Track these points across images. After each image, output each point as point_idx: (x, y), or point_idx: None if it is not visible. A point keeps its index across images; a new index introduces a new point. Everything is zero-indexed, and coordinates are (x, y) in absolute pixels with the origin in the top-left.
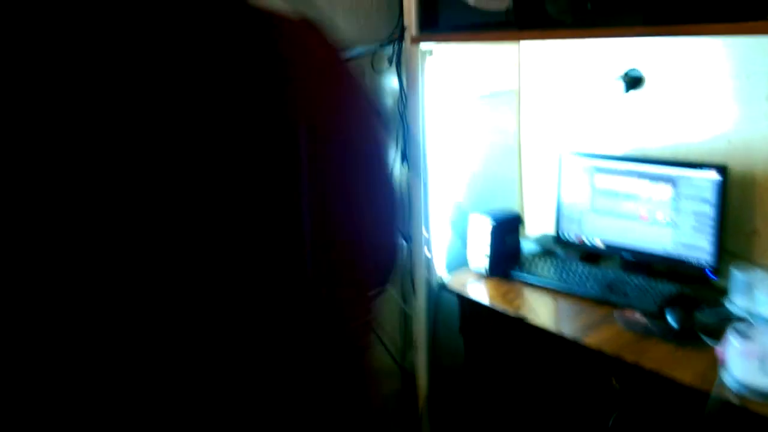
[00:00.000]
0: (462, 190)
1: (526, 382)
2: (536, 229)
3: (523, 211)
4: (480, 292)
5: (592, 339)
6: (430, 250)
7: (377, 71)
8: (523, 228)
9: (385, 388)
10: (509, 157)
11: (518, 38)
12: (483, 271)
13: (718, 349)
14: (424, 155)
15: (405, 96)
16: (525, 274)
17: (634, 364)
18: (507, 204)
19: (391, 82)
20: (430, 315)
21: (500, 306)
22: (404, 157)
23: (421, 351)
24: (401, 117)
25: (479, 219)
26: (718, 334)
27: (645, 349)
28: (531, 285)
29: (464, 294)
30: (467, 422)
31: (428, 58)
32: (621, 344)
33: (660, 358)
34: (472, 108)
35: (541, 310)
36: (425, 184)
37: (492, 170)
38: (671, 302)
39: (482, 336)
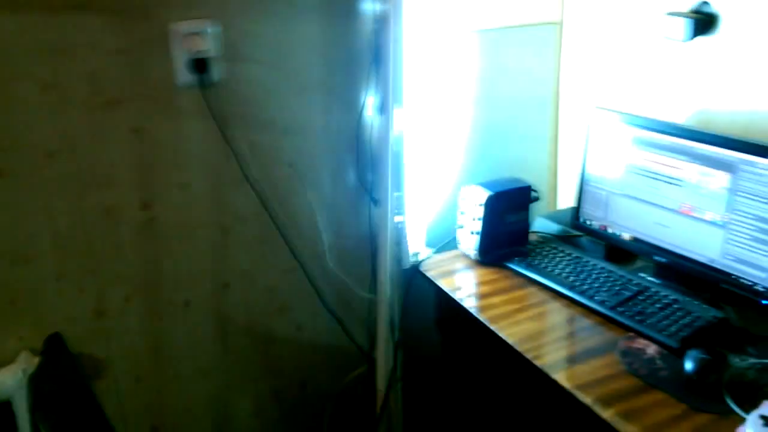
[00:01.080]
0: (463, 150)
1: (499, 391)
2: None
3: (553, 183)
4: (459, 283)
5: (574, 373)
6: (401, 219)
7: None
8: (540, 204)
9: (349, 373)
10: (539, 111)
11: None
12: (471, 255)
13: (740, 430)
14: (398, 99)
15: (381, 28)
16: (523, 267)
17: (612, 427)
18: (533, 172)
19: (359, 10)
20: (399, 298)
21: (476, 307)
22: (381, 106)
23: (381, 341)
24: (375, 52)
25: (471, 190)
26: (755, 394)
27: (640, 405)
28: (529, 281)
29: (438, 283)
30: (438, 418)
31: None
32: (610, 391)
33: (654, 425)
34: (477, 44)
35: (527, 323)
36: (396, 135)
37: (513, 127)
38: (702, 336)
39: (460, 334)
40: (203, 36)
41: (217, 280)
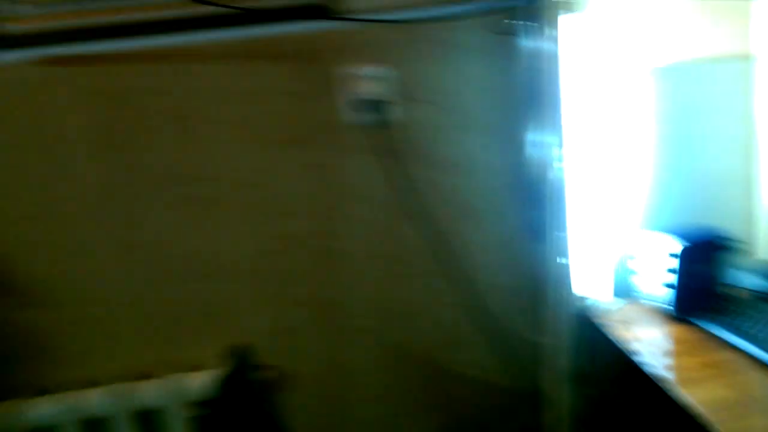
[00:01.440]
0: (640, 192)
1: None
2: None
3: (750, 231)
4: (637, 336)
5: None
6: (567, 261)
7: (499, 34)
8: (736, 254)
9: (514, 414)
10: (730, 152)
11: None
12: (655, 307)
13: None
14: (562, 138)
15: (541, 66)
16: (719, 326)
17: None
18: (724, 218)
19: (518, 49)
20: (565, 344)
21: (657, 365)
22: (545, 145)
23: (546, 385)
24: (535, 92)
25: (658, 237)
26: None
27: None
28: (724, 342)
29: (610, 332)
30: None
31: (575, 15)
32: None
33: None
34: (655, 80)
35: (720, 390)
36: (561, 175)
37: (699, 168)
38: None
39: (630, 389)
40: (376, 79)
41: (388, 309)
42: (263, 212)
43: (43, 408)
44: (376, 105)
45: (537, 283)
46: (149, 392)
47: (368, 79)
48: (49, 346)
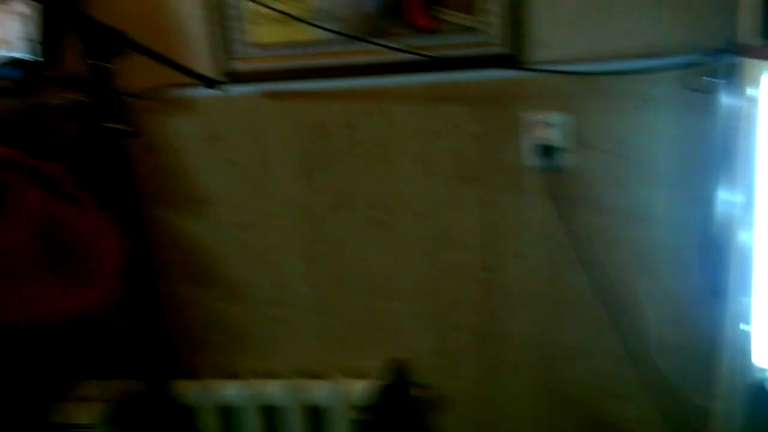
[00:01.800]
0: None
1: None
2: None
3: None
4: None
5: None
6: (748, 327)
7: (694, 90)
8: None
9: None
10: None
11: None
12: None
13: None
14: (754, 200)
15: (737, 124)
16: None
17: None
18: None
19: (713, 106)
20: (739, 416)
21: None
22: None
23: None
24: (728, 150)
25: None
26: None
27: None
28: None
29: None
30: None
31: None
32: None
33: None
34: None
35: None
36: (749, 237)
37: None
38: None
39: None
40: (552, 125)
41: (548, 349)
42: (435, 241)
43: (231, 391)
44: (554, 150)
45: (712, 346)
46: (320, 391)
47: (549, 126)
48: (239, 336)
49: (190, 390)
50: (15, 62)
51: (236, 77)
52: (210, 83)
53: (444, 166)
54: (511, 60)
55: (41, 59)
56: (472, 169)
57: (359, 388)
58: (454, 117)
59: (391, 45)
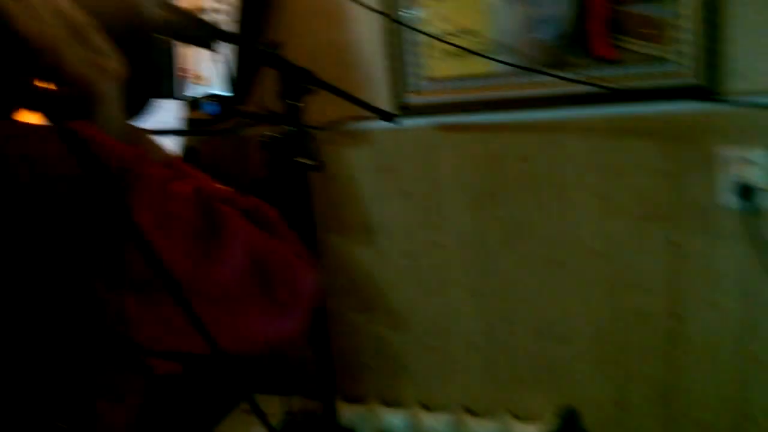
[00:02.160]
0: None
1: None
2: None
3: None
4: None
5: None
6: None
7: None
8: None
9: None
10: None
11: None
12: None
13: None
14: None
15: None
16: None
17: None
18: None
19: None
20: None
21: None
22: None
23: None
24: None
25: None
26: None
27: None
28: None
29: None
30: None
31: None
32: None
33: None
34: None
35: None
36: None
37: None
38: None
39: None
40: (753, 163)
41: (738, 411)
42: (611, 282)
43: (393, 418)
44: (755, 191)
45: None
46: (483, 429)
47: (749, 163)
48: (402, 364)
49: (353, 413)
50: (212, 97)
51: (408, 110)
52: (387, 117)
53: (625, 203)
54: (704, 92)
55: (234, 95)
56: (657, 207)
57: (524, 431)
58: (638, 152)
59: (569, 77)
